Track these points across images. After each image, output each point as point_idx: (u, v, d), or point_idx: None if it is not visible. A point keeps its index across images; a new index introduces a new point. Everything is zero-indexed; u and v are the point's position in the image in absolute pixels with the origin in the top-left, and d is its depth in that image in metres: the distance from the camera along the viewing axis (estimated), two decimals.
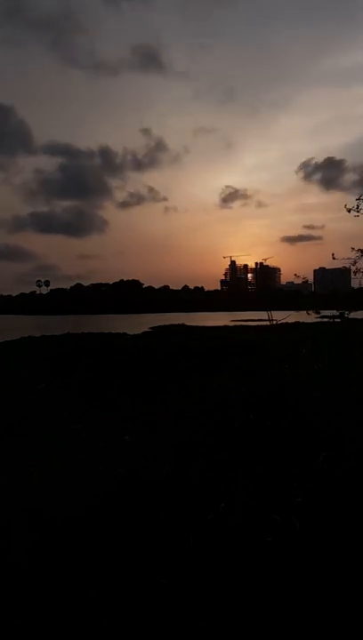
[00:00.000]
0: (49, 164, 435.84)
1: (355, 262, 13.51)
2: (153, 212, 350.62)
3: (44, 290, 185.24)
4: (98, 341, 22.96)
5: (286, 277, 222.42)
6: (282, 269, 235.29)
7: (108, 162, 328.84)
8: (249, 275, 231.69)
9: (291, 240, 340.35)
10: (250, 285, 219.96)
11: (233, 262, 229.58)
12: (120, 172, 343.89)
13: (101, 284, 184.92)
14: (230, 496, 4.16)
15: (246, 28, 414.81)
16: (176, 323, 49.68)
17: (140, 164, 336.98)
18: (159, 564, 3.22)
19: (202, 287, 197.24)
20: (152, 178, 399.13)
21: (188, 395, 8.80)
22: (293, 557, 3.24)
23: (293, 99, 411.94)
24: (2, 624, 2.80)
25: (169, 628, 2.69)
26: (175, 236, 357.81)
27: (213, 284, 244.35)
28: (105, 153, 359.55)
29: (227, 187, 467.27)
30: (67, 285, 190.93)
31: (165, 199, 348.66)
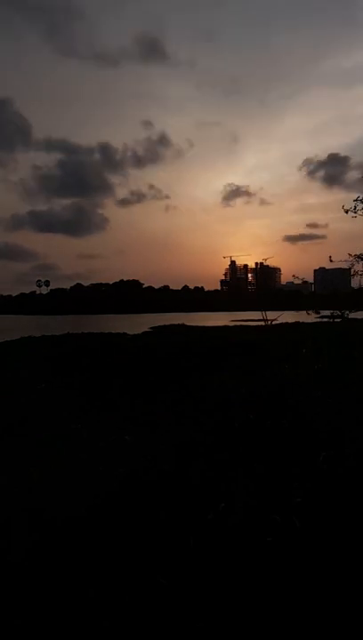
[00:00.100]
0: (47, 160, 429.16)
1: (352, 265, 13.56)
2: (154, 210, 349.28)
3: (44, 290, 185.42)
4: (98, 341, 22.94)
5: (286, 277, 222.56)
6: (283, 269, 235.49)
7: (109, 158, 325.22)
8: (249, 275, 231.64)
9: (292, 239, 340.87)
10: (250, 285, 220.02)
11: (233, 262, 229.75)
12: (121, 169, 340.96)
13: (101, 284, 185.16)
14: (230, 496, 4.16)
15: (246, 29, 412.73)
16: (176, 323, 49.65)
17: (141, 160, 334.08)
18: (159, 564, 3.22)
19: (202, 287, 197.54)
20: (153, 174, 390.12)
21: (188, 395, 8.80)
22: (293, 557, 3.25)
23: (294, 98, 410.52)
24: (2, 624, 2.80)
25: (169, 628, 2.69)
26: (176, 234, 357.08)
27: (213, 284, 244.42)
28: (105, 149, 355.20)
29: (229, 184, 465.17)
30: (66, 285, 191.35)
31: (167, 197, 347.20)
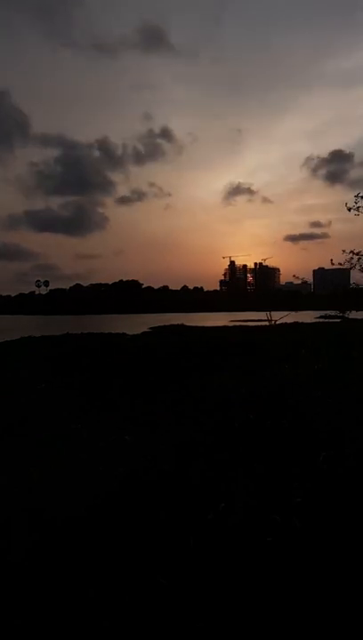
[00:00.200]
0: (44, 157, 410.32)
1: (351, 259, 13.55)
2: (154, 209, 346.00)
3: (44, 290, 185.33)
4: (98, 341, 22.97)
5: (285, 277, 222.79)
6: (284, 269, 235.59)
7: (108, 154, 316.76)
8: (248, 275, 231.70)
9: (294, 239, 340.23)
10: (249, 286, 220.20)
11: (232, 262, 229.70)
12: (120, 166, 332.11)
13: (101, 284, 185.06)
14: (230, 496, 4.16)
15: (247, 30, 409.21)
16: (176, 323, 49.67)
17: (141, 157, 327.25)
18: (159, 564, 3.22)
19: (201, 287, 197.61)
20: (154, 171, 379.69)
21: (188, 395, 8.80)
22: (293, 557, 3.25)
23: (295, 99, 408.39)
24: (2, 624, 2.80)
25: (169, 628, 2.69)
26: (176, 234, 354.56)
27: (212, 285, 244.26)
28: (104, 144, 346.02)
29: (230, 183, 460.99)
30: (66, 285, 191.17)
31: (168, 194, 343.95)
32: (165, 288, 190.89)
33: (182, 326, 43.32)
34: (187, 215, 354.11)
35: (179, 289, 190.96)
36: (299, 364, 11.49)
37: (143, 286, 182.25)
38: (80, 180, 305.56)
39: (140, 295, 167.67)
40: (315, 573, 3.08)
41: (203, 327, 39.64)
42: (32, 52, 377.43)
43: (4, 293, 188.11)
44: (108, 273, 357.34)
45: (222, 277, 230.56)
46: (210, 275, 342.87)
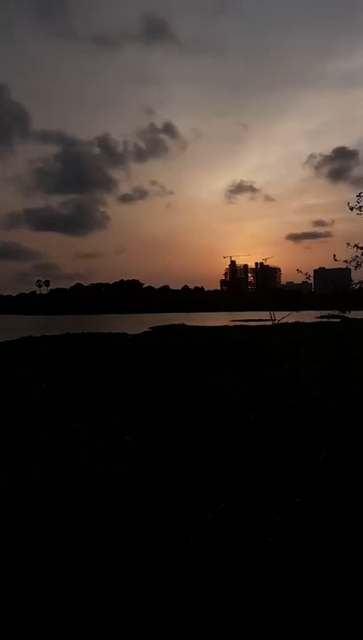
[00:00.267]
0: (43, 154, 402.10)
1: (356, 257, 13.48)
2: (156, 207, 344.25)
3: (44, 290, 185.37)
4: (98, 341, 22.95)
5: (286, 277, 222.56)
6: (285, 268, 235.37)
7: (108, 150, 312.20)
8: (249, 275, 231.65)
9: (296, 238, 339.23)
10: (250, 285, 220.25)
11: (233, 262, 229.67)
12: (121, 163, 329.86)
13: (101, 284, 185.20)
14: (230, 496, 4.17)
15: (248, 31, 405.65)
16: (176, 323, 49.66)
17: (143, 153, 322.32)
18: (159, 564, 3.22)
19: (202, 287, 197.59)
20: (156, 168, 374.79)
21: (188, 395, 8.80)
22: (293, 557, 3.25)
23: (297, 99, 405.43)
24: (2, 624, 2.80)
25: (169, 628, 2.69)
26: (177, 232, 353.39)
27: (213, 284, 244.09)
28: (105, 141, 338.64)
29: (232, 182, 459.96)
30: (66, 284, 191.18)
31: (170, 193, 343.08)
32: (166, 288, 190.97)
33: (183, 326, 43.32)
34: (188, 214, 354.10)
35: (179, 289, 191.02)
36: (299, 364, 11.49)
37: (144, 286, 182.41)
38: (81, 177, 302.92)
39: (140, 295, 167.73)
40: (315, 573, 3.08)
41: (203, 327, 39.63)
42: (30, 45, 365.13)
43: (5, 293, 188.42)
44: (109, 272, 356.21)
45: (223, 277, 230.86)
46: (211, 274, 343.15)
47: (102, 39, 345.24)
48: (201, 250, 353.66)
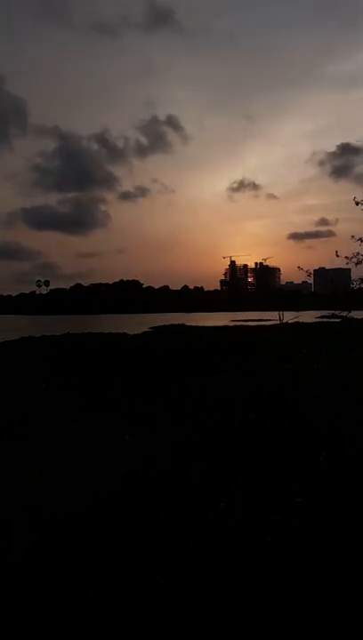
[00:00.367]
0: (42, 150, 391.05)
1: (357, 254, 13.36)
2: (157, 205, 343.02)
3: (44, 290, 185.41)
4: (98, 341, 22.94)
5: (286, 277, 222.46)
6: (285, 268, 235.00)
7: (108, 147, 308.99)
8: (249, 274, 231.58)
9: (299, 237, 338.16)
10: (250, 286, 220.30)
11: (233, 262, 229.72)
12: (122, 159, 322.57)
13: (101, 283, 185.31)
14: (230, 496, 4.16)
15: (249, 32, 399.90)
16: (176, 323, 49.66)
17: (144, 149, 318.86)
18: (159, 564, 3.22)
19: (202, 287, 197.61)
20: (157, 166, 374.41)
21: (188, 395, 8.80)
22: (293, 558, 3.25)
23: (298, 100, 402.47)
24: (2, 624, 2.80)
25: (169, 628, 2.69)
26: (178, 232, 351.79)
27: (213, 284, 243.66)
28: (105, 137, 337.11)
29: (234, 181, 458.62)
30: (66, 284, 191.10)
31: (172, 191, 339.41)
32: (166, 288, 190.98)
33: (183, 326, 43.31)
34: (189, 213, 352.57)
35: (179, 289, 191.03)
36: (299, 364, 11.49)
37: (144, 286, 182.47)
38: (80, 174, 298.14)
39: (140, 295, 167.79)
40: (315, 573, 3.08)
41: (203, 327, 39.62)
42: (27, 36, 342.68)
43: (5, 293, 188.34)
44: (110, 272, 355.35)
45: (223, 277, 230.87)
46: (211, 274, 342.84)
47: (102, 27, 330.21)
48: (201, 250, 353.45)
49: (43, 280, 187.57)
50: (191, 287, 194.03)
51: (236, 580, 3.05)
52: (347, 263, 13.76)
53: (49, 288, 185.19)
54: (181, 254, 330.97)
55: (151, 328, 42.16)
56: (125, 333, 31.39)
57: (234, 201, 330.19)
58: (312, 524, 3.65)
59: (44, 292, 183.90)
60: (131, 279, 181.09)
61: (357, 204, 13.09)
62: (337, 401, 7.48)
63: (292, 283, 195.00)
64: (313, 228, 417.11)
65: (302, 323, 32.68)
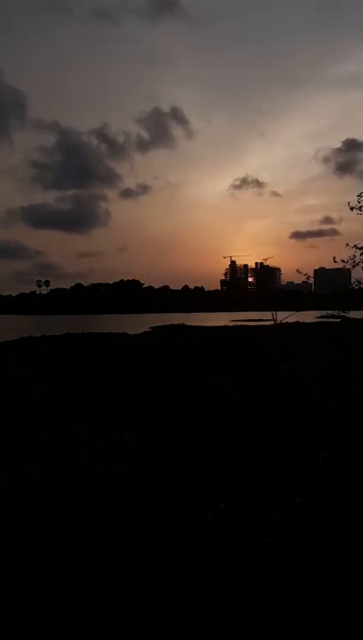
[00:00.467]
0: (41, 146, 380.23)
1: (354, 256, 13.40)
2: (158, 203, 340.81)
3: (45, 290, 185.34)
4: (98, 341, 22.94)
5: (286, 277, 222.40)
6: (289, 268, 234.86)
7: (108, 142, 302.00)
8: (249, 275, 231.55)
9: (301, 236, 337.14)
10: (250, 286, 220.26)
11: (233, 262, 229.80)
12: (123, 155, 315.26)
13: (102, 283, 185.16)
14: (230, 496, 4.17)
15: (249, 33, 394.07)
16: (176, 323, 49.63)
17: (145, 144, 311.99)
18: (159, 564, 3.23)
19: (202, 287, 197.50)
20: (158, 162, 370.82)
21: (188, 395, 8.80)
22: (293, 558, 3.25)
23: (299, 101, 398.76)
24: (2, 624, 2.81)
25: (169, 628, 2.69)
26: (179, 231, 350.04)
27: (213, 284, 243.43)
28: (104, 132, 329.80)
29: (235, 180, 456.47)
30: (66, 284, 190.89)
31: (177, 187, 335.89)
32: (166, 288, 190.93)
33: (183, 326, 43.29)
34: (190, 212, 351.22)
35: (180, 289, 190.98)
36: (299, 364, 11.49)
37: (144, 286, 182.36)
38: (81, 171, 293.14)
39: (140, 295, 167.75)
40: (315, 573, 3.08)
41: (203, 327, 39.61)
42: (21, 22, 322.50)
43: (5, 293, 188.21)
44: (110, 271, 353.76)
45: (223, 277, 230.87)
46: (211, 274, 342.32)
47: (101, 13, 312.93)
48: (201, 249, 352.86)
49: (43, 280, 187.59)
50: (191, 287, 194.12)
51: (236, 579, 3.05)
52: (344, 266, 13.81)
53: (49, 288, 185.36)
54: (182, 254, 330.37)
55: (151, 328, 42.14)
56: (125, 333, 31.38)
57: (236, 199, 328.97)
58: (312, 523, 3.65)
59: (45, 292, 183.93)
60: (131, 279, 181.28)
61: (351, 209, 13.14)
62: (337, 401, 7.48)
63: (292, 283, 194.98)
64: (316, 227, 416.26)
65: (302, 323, 32.70)
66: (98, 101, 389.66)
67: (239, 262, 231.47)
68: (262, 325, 33.24)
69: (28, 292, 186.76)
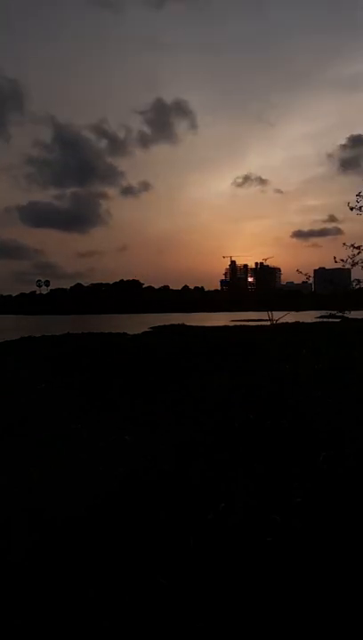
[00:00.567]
0: (36, 140, 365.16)
1: (353, 255, 13.40)
2: (158, 203, 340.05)
3: (45, 290, 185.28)
4: (98, 341, 22.95)
5: (286, 277, 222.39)
6: (289, 268, 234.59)
7: (108, 138, 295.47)
8: (249, 275, 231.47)
9: (303, 235, 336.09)
10: (250, 286, 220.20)
11: (233, 262, 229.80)
12: (123, 151, 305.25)
13: (102, 283, 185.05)
14: (230, 496, 4.17)
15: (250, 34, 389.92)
16: (176, 323, 49.64)
17: (147, 140, 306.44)
18: (159, 564, 3.23)
19: (202, 287, 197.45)
20: (159, 160, 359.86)
21: (188, 395, 8.80)
22: (293, 557, 3.25)
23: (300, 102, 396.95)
24: (2, 624, 2.81)
25: (169, 628, 2.69)
26: (180, 230, 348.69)
27: (213, 284, 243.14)
28: (103, 128, 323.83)
29: (236, 179, 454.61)
30: (66, 283, 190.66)
31: (174, 187, 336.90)
32: (166, 288, 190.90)
33: (183, 326, 43.31)
34: (191, 212, 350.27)
35: (180, 289, 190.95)
36: (299, 364, 11.50)
37: (144, 286, 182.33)
38: (81, 169, 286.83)
39: (140, 295, 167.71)
40: (315, 573, 3.08)
41: (203, 327, 39.63)
42: (16, 9, 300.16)
43: (5, 293, 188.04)
44: (110, 271, 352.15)
45: (223, 277, 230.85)
46: (211, 274, 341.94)
47: (102, 1, 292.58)
48: (202, 249, 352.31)
49: (43, 280, 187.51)
50: (191, 287, 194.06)
51: (236, 579, 3.05)
52: (343, 265, 13.81)
53: (49, 288, 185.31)
54: (182, 254, 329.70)
55: (151, 328, 42.15)
56: (125, 333, 31.39)
57: (237, 198, 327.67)
58: (312, 523, 3.65)
59: (45, 292, 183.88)
60: (131, 279, 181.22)
61: (351, 209, 13.15)
62: (337, 401, 7.48)
63: (292, 283, 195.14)
64: (319, 227, 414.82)
65: (302, 323, 32.73)
66: (97, 95, 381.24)
67: (239, 262, 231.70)
68: (261, 325, 33.24)
69: (28, 292, 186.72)
